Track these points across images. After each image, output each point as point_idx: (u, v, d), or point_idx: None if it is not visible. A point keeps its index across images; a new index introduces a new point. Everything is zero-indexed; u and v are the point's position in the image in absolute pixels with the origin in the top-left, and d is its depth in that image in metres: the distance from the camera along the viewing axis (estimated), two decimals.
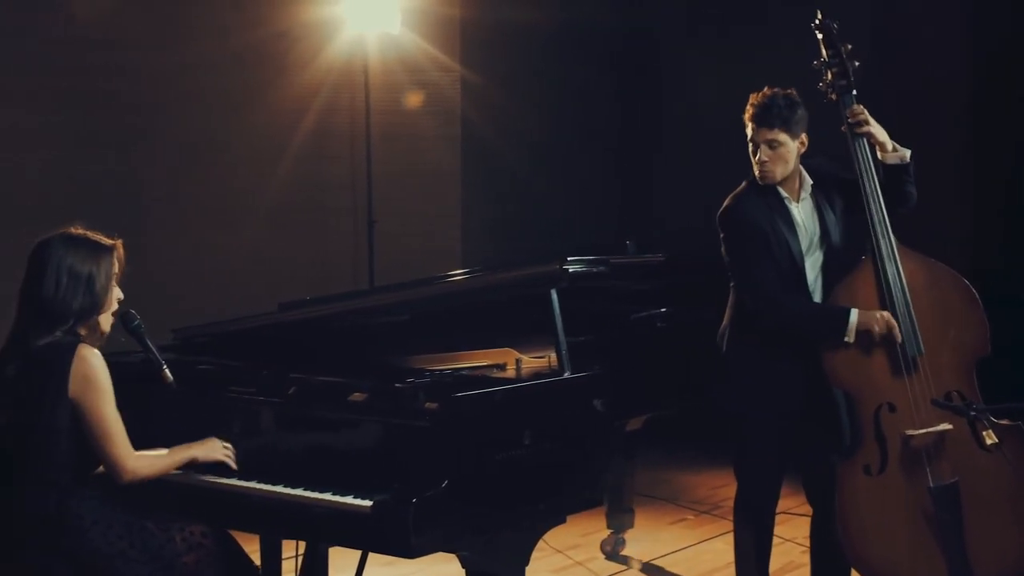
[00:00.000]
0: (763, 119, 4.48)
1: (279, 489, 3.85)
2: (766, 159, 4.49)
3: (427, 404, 3.75)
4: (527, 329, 5.09)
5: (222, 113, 8.52)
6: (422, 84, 8.78)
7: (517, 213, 9.19)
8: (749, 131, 4.53)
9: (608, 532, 5.98)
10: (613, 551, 5.97)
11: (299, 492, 3.79)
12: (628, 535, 6.04)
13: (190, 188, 8.52)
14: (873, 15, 8.34)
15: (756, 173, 4.55)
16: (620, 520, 5.93)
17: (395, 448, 3.81)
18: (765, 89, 4.54)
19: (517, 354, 4.76)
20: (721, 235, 4.60)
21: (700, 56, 9.43)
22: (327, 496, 3.73)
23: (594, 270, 4.46)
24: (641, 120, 9.85)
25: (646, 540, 6.26)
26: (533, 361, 4.69)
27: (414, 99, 8.72)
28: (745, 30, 8.99)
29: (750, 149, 4.55)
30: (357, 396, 3.97)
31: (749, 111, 4.53)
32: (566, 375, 4.14)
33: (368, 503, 3.62)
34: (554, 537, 5.96)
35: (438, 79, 8.77)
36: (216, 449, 3.93)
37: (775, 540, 5.53)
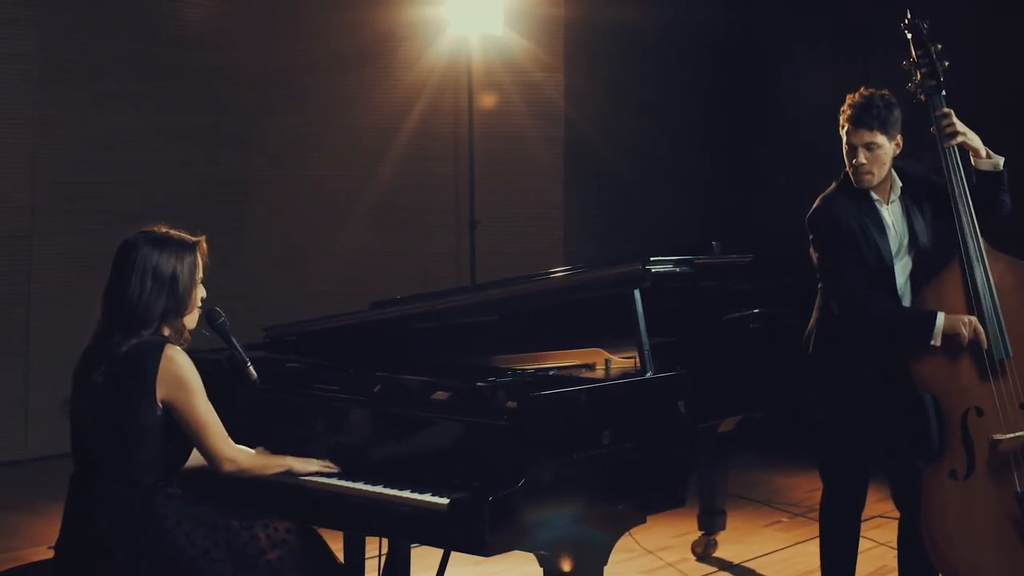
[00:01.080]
0: (861, 120, 4.44)
1: (359, 486, 3.89)
2: (864, 162, 4.45)
3: (507, 403, 3.78)
4: (619, 329, 5.14)
5: (325, 114, 8.69)
6: (525, 85, 8.83)
7: (619, 214, 9.20)
8: (845, 133, 4.49)
9: (700, 533, 5.96)
10: (704, 553, 5.95)
11: (378, 489, 3.84)
12: (720, 537, 6.02)
13: (292, 189, 8.69)
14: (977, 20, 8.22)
15: (852, 176, 4.51)
16: (711, 522, 5.91)
17: (474, 447, 3.85)
18: (861, 90, 4.50)
19: (606, 354, 4.76)
20: (810, 236, 4.58)
21: (803, 57, 9.36)
22: (405, 493, 3.78)
23: (677, 270, 4.46)
24: (744, 122, 9.81)
25: (739, 542, 6.23)
26: (623, 361, 4.69)
27: (517, 100, 8.74)
28: (849, 31, 8.91)
29: (845, 151, 4.51)
30: (440, 395, 4.02)
31: (846, 112, 4.49)
32: (648, 375, 4.15)
33: (446, 501, 3.66)
34: (645, 538, 6.03)
35: (541, 80, 8.82)
36: (312, 463, 3.96)
37: (868, 544, 5.54)
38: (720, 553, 5.99)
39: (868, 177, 4.47)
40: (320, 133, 8.71)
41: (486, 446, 3.80)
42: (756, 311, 5.51)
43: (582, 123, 8.87)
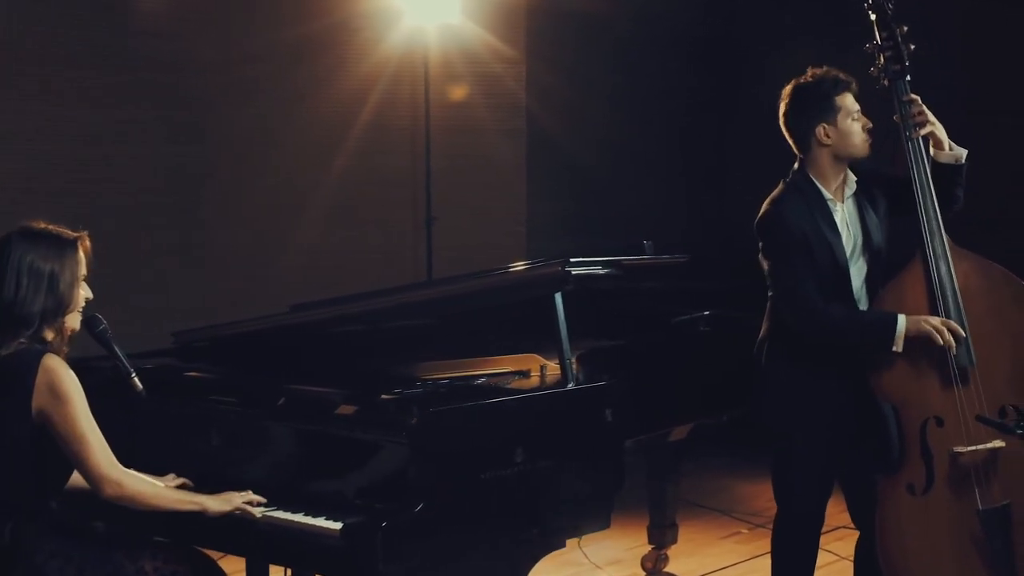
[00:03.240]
0: (851, 81, 4.23)
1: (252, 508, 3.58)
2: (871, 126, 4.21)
3: (410, 418, 3.46)
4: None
5: (279, 106, 8.38)
6: (485, 76, 8.51)
7: (588, 211, 8.87)
8: (842, 103, 4.19)
9: (649, 548, 5.64)
10: (655, 568, 5.62)
11: (270, 511, 3.52)
12: (674, 550, 5.68)
13: (247, 182, 8.39)
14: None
15: (864, 146, 4.23)
16: (662, 535, 5.57)
17: (374, 466, 3.55)
18: (809, 71, 4.25)
19: (542, 360, 4.47)
20: (759, 241, 4.25)
21: (786, 51, 9.01)
22: (298, 517, 3.47)
23: (601, 272, 4.13)
24: (714, 116, 9.48)
25: (693, 555, 5.93)
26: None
27: (476, 92, 8.43)
28: (834, 24, 8.60)
29: (847, 126, 4.19)
30: (345, 409, 3.70)
31: (829, 80, 4.22)
32: (569, 386, 3.82)
33: (338, 526, 3.35)
34: (595, 551, 5.72)
35: (502, 71, 8.50)
36: (232, 500, 3.56)
37: (830, 558, 5.26)
38: (672, 567, 5.67)
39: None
40: (275, 126, 8.39)
41: (383, 466, 3.51)
42: (707, 313, 5.21)
43: (546, 116, 8.54)
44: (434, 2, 7.94)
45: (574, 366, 4.05)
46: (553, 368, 4.35)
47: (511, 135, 8.61)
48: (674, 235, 8.50)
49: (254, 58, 8.29)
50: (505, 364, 4.51)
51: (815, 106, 4.18)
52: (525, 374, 4.43)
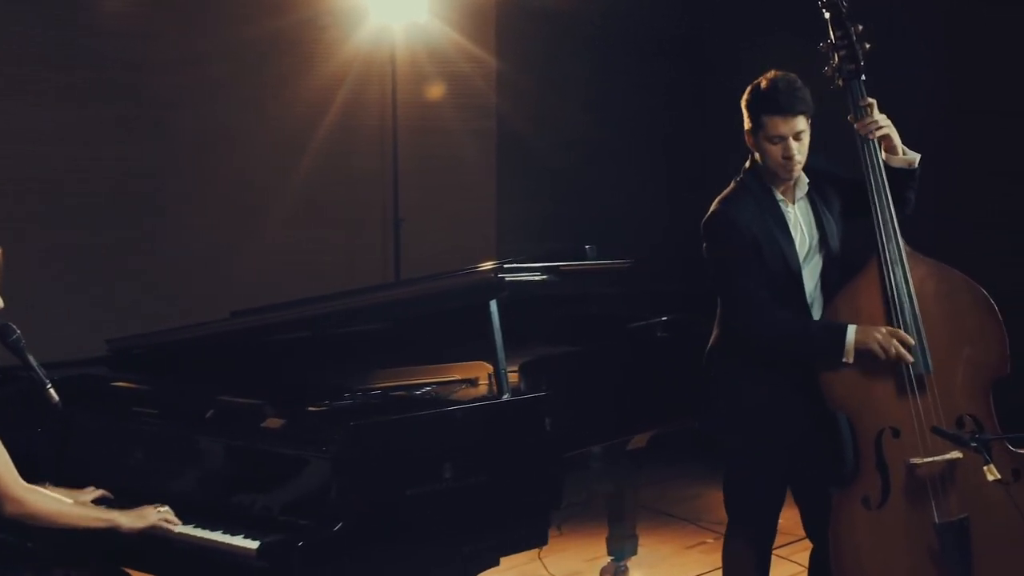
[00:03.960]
0: (792, 106, 3.96)
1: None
2: (796, 153, 3.98)
3: (328, 433, 3.32)
4: (512, 338, 4.72)
5: (243, 105, 8.17)
6: (453, 76, 8.34)
7: (561, 213, 8.71)
8: (766, 124, 3.99)
9: (608, 559, 5.49)
10: None
11: (187, 529, 3.38)
12: (636, 560, 5.56)
13: (211, 183, 8.19)
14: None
15: (780, 172, 4.03)
16: (621, 546, 5.44)
17: (297, 482, 3.41)
18: (771, 74, 4.04)
19: (489, 367, 4.33)
20: (704, 244, 4.10)
21: (755, 47, 8.88)
22: (216, 535, 3.34)
23: (536, 278, 3.97)
24: (692, 114, 9.32)
25: (656, 566, 5.80)
26: (510, 375, 4.24)
27: (444, 92, 8.28)
28: (803, 23, 8.45)
29: (767, 145, 4.01)
30: (272, 422, 3.55)
31: (766, 98, 3.99)
32: (505, 397, 3.67)
33: (255, 544, 3.21)
34: (554, 561, 5.58)
35: (471, 71, 8.33)
36: (147, 516, 3.42)
37: (796, 568, 5.12)
38: None
39: (798, 168, 4.03)
40: (239, 125, 8.20)
41: (308, 481, 3.35)
42: (664, 319, 5.07)
43: (516, 116, 8.37)
44: (401, 0, 7.75)
45: (515, 376, 3.91)
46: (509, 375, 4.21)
47: (481, 135, 8.45)
48: (655, 236, 8.41)
49: (217, 56, 8.11)
50: (453, 372, 4.39)
51: (749, 114, 4.04)
52: (473, 382, 4.31)
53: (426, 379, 4.30)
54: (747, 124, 4.03)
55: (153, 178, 8.05)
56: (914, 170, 4.07)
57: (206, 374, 4.23)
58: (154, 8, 7.95)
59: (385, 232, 8.28)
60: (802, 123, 3.95)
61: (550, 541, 5.98)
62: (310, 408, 3.50)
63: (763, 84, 3.99)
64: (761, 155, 4.02)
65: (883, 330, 3.90)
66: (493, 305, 3.72)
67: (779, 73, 4.00)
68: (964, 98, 7.79)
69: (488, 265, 4.04)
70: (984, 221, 7.71)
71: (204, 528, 3.40)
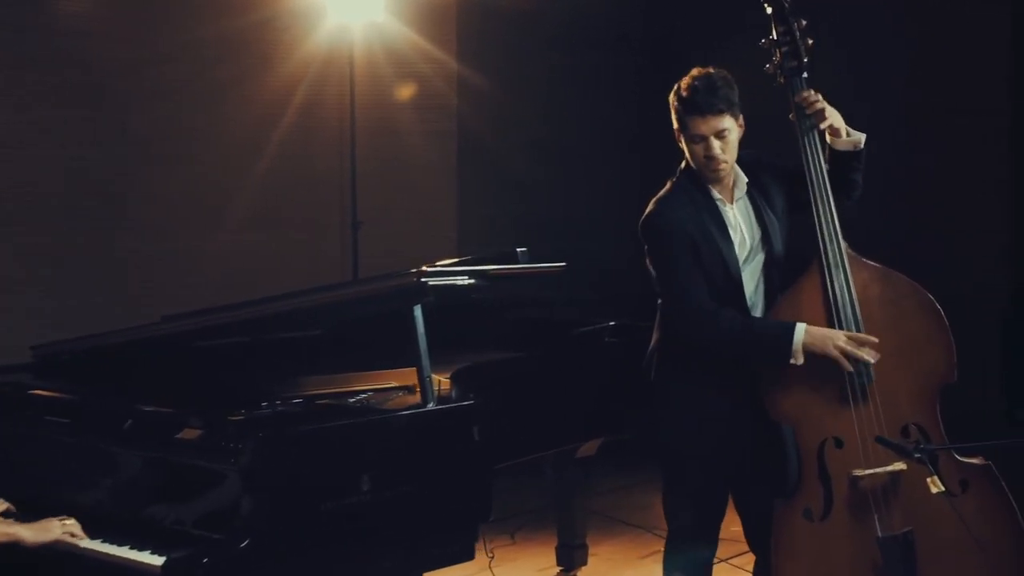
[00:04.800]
0: (710, 104, 3.82)
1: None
2: (719, 152, 3.84)
3: (238, 444, 3.18)
4: (454, 342, 4.60)
5: (202, 106, 8.05)
6: (413, 76, 8.20)
7: (525, 217, 8.54)
8: (686, 123, 3.88)
9: (559, 569, 5.36)
10: None
11: (94, 544, 3.25)
12: (590, 569, 5.43)
13: (169, 184, 8.06)
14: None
15: (705, 172, 3.90)
16: (570, 557, 5.30)
17: (210, 495, 3.28)
18: (694, 71, 3.91)
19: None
20: (645, 246, 3.97)
21: (722, 46, 8.75)
22: (123, 550, 3.21)
23: (462, 283, 3.84)
24: (659, 114, 9.16)
25: (608, 575, 5.64)
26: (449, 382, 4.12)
27: (404, 93, 8.14)
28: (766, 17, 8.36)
29: (688, 145, 3.91)
30: (189, 433, 3.41)
31: (685, 98, 3.88)
32: (430, 406, 3.54)
33: (161, 560, 3.07)
34: (505, 572, 5.46)
35: (430, 71, 8.20)
36: (51, 530, 3.29)
37: None
38: None
39: (724, 167, 3.89)
40: (198, 126, 8.08)
41: (221, 495, 3.22)
42: (612, 324, 4.94)
43: (478, 118, 8.24)
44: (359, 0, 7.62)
45: (445, 383, 3.78)
46: (446, 383, 4.09)
47: (441, 137, 8.32)
48: (623, 238, 8.25)
49: (176, 57, 7.99)
50: (390, 379, 4.26)
51: (675, 113, 3.94)
52: (411, 389, 4.16)
53: (363, 385, 4.17)
54: (674, 124, 3.90)
55: (111, 180, 7.94)
56: (860, 152, 3.94)
57: (131, 381, 4.09)
58: (112, 9, 7.83)
59: (344, 235, 8.15)
60: (724, 122, 3.81)
61: (503, 550, 5.96)
62: (226, 418, 3.35)
63: (684, 83, 3.87)
64: (688, 155, 3.89)
65: (844, 334, 3.76)
66: (417, 311, 3.59)
67: (702, 70, 3.88)
68: (932, 98, 7.82)
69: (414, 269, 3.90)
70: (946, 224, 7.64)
71: (111, 543, 3.27)
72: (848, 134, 3.93)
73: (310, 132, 8.18)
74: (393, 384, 4.23)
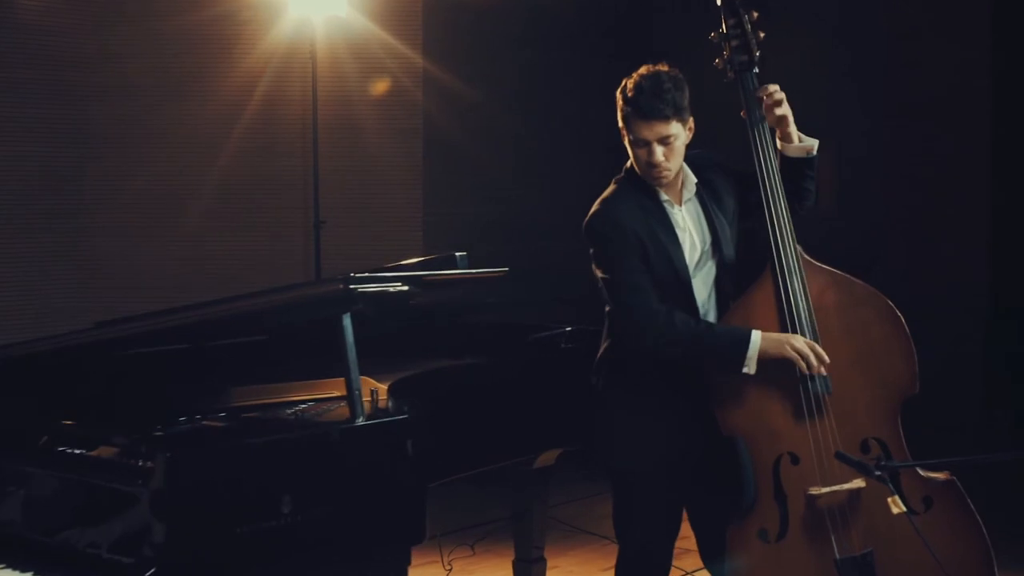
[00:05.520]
0: (653, 109, 3.59)
1: None
2: (662, 159, 3.62)
3: (146, 463, 2.97)
4: (401, 351, 4.40)
5: (159, 102, 7.91)
6: (377, 72, 7.99)
7: (488, 214, 8.38)
8: (629, 126, 3.66)
9: None
10: None
11: None
12: None
13: (125, 183, 7.91)
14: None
15: (648, 177, 3.69)
16: (527, 571, 5.08)
17: (119, 518, 3.06)
18: (642, 69, 3.69)
19: (373, 383, 4.00)
20: (590, 249, 3.76)
21: (698, 41, 8.58)
22: None
23: (393, 290, 3.62)
24: None
25: None
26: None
27: (368, 89, 7.93)
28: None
29: (631, 147, 3.69)
30: (104, 450, 3.20)
31: (630, 99, 3.64)
32: (358, 422, 3.32)
33: None
34: None
35: (395, 67, 7.98)
36: None
37: None
38: None
39: (667, 174, 3.66)
40: (157, 123, 7.93)
41: (129, 518, 3.00)
42: (569, 329, 4.73)
43: (444, 115, 8.03)
44: None
45: (381, 395, 3.58)
46: (381, 393, 3.90)
47: (406, 134, 8.10)
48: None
49: (134, 52, 7.83)
50: (331, 388, 4.05)
51: (620, 113, 3.71)
52: None
53: (307, 395, 3.97)
54: (619, 122, 3.69)
55: (69, 177, 7.79)
56: (812, 158, 3.73)
57: (53, 393, 3.86)
58: (70, 3, 7.66)
59: (306, 234, 7.94)
60: (670, 128, 3.58)
61: (462, 562, 5.76)
62: (141, 435, 3.14)
63: (630, 82, 3.65)
64: (631, 156, 3.68)
65: (799, 339, 3.56)
66: (346, 320, 3.36)
67: (651, 69, 3.65)
68: (901, 100, 7.72)
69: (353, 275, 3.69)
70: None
71: (15, 569, 3.06)
72: (800, 140, 3.72)
73: (272, 129, 7.99)
74: (335, 394, 4.03)
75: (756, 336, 3.56)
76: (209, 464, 3.02)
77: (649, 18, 8.96)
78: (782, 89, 3.70)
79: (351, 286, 3.34)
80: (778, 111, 3.68)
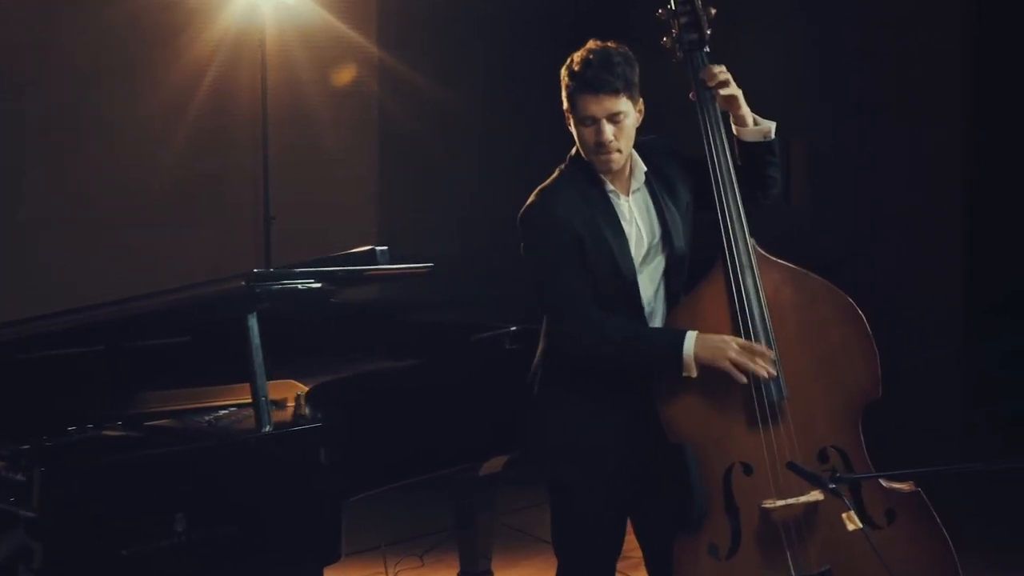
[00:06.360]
0: (602, 82, 3.31)
1: None
2: (611, 138, 3.34)
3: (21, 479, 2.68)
4: (335, 351, 4.14)
5: (103, 91, 7.56)
6: (330, 62, 7.71)
7: (454, 212, 8.12)
8: (576, 103, 3.37)
9: None
10: None
11: None
12: None
13: (67, 175, 7.57)
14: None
15: (595, 160, 3.40)
16: None
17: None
18: (589, 43, 3.41)
19: (300, 387, 3.73)
20: (522, 243, 3.47)
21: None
22: None
23: (301, 287, 3.32)
24: None
25: None
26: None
27: (321, 80, 7.64)
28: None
29: (577, 128, 3.41)
30: None
31: (576, 73, 3.36)
32: (266, 429, 3.03)
33: None
34: None
35: (349, 56, 7.70)
36: None
37: None
38: None
39: (616, 157, 3.38)
40: (101, 113, 7.60)
41: (10, 541, 2.70)
42: (514, 329, 4.46)
43: (402, 107, 7.76)
44: None
45: (290, 402, 3.29)
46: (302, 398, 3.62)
47: (361, 127, 7.84)
48: None
49: (76, 40, 7.48)
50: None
51: (564, 91, 3.42)
52: (280, 404, 3.68)
53: (228, 400, 3.70)
54: (564, 103, 3.40)
55: (8, 168, 7.45)
56: (771, 142, 3.46)
57: None
58: None
59: (257, 229, 7.65)
60: (620, 104, 3.31)
61: (410, 572, 5.49)
62: (23, 447, 2.84)
63: (576, 56, 3.37)
64: (577, 139, 3.39)
65: (736, 343, 3.28)
66: (252, 320, 3.07)
67: (597, 44, 3.37)
68: (873, 91, 7.56)
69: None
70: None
71: None
72: (756, 122, 3.44)
73: (220, 120, 7.67)
74: None
75: (690, 339, 3.28)
76: (90, 478, 2.73)
77: (620, 7, 8.68)
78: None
79: (254, 284, 3.02)
80: (724, 92, 3.41)
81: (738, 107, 3.42)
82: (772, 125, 3.44)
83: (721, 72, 3.42)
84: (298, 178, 7.68)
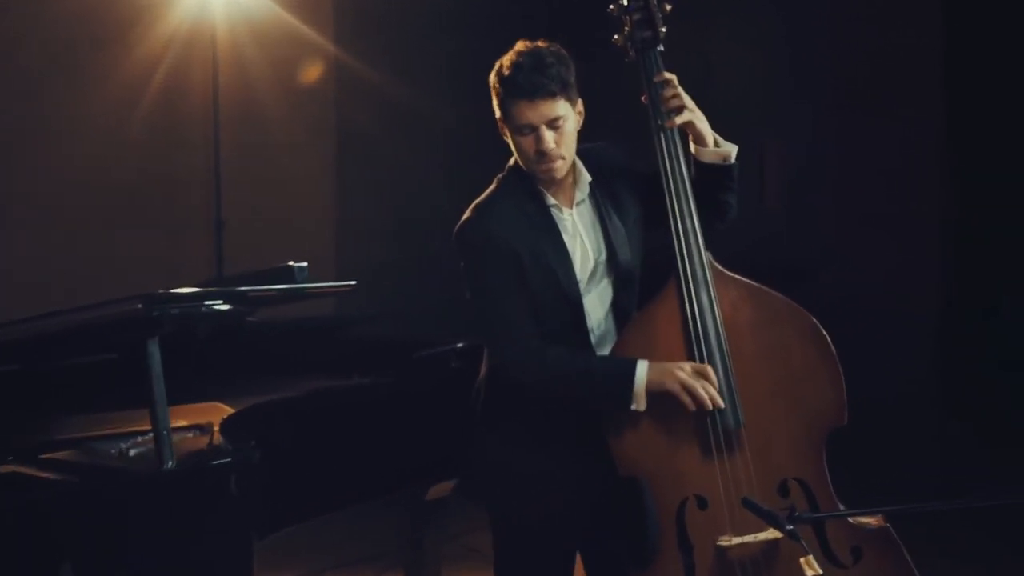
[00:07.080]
0: (537, 86, 3.04)
1: None
2: (553, 145, 3.07)
3: None
4: (269, 370, 3.90)
5: (49, 92, 7.32)
6: (284, 63, 7.47)
7: (405, 214, 7.88)
8: (510, 110, 3.10)
9: None
10: None
11: None
12: None
13: (16, 178, 7.32)
14: None
15: (536, 170, 3.13)
16: None
17: None
18: (519, 45, 3.14)
19: (227, 409, 3.48)
20: (460, 262, 3.20)
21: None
22: None
23: (206, 309, 3.05)
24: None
25: None
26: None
27: (274, 79, 7.39)
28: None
29: (513, 138, 3.15)
30: None
31: (507, 78, 3.10)
32: (168, 464, 2.76)
33: None
34: None
35: (305, 53, 7.47)
36: None
37: None
38: None
39: (560, 164, 3.11)
40: (46, 114, 7.35)
41: None
42: (460, 345, 4.20)
43: (359, 108, 7.53)
44: None
45: (210, 432, 3.03)
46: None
47: (318, 129, 7.63)
48: None
49: (23, 39, 7.22)
50: (183, 416, 3.54)
51: (496, 99, 3.16)
52: (205, 429, 3.43)
53: (145, 426, 3.43)
54: (496, 112, 3.14)
55: None
56: (730, 166, 3.18)
57: None
58: None
59: (208, 235, 7.40)
60: (558, 108, 3.04)
61: None
62: None
63: (505, 60, 3.11)
64: (515, 150, 3.13)
65: (687, 367, 3.02)
66: (153, 346, 2.79)
67: (527, 45, 3.11)
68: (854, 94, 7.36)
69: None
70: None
71: None
72: (717, 143, 3.18)
73: (171, 119, 7.45)
74: (182, 423, 3.51)
75: (641, 369, 3.02)
76: None
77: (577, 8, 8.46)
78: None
79: (153, 308, 2.75)
80: (683, 118, 3.14)
81: (694, 127, 3.16)
82: (733, 149, 3.16)
83: (675, 97, 3.14)
84: (251, 178, 7.47)
